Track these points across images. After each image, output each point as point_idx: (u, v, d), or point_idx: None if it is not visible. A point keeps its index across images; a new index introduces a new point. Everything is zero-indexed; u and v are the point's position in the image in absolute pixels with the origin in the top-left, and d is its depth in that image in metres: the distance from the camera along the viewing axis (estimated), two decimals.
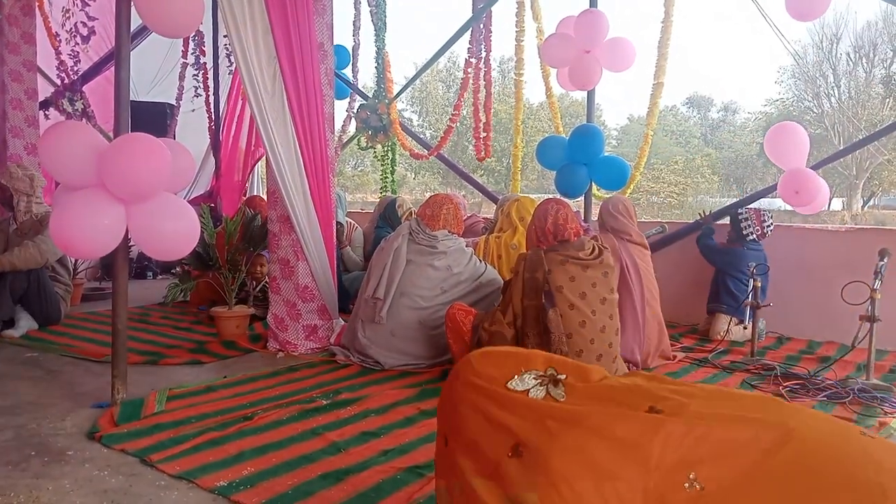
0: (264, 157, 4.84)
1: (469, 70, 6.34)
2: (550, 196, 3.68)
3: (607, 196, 5.02)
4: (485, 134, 6.26)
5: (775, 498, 1.26)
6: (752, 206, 4.89)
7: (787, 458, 1.29)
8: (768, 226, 4.63)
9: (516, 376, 1.52)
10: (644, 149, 5.40)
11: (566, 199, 3.61)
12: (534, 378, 1.50)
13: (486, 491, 1.40)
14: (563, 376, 1.52)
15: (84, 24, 6.14)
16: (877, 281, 3.45)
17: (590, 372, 1.58)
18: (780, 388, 3.42)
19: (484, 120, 6.27)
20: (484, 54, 6.25)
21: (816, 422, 1.41)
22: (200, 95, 7.55)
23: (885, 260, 3.56)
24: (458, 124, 6.62)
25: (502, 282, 3.99)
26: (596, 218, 4.35)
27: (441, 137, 6.53)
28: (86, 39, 6.22)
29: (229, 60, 7.57)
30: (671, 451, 1.32)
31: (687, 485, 1.29)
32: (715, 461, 1.31)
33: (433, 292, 3.79)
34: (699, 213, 5.10)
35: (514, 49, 6.06)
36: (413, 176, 30.75)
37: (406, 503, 2.09)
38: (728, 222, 4.84)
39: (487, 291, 3.90)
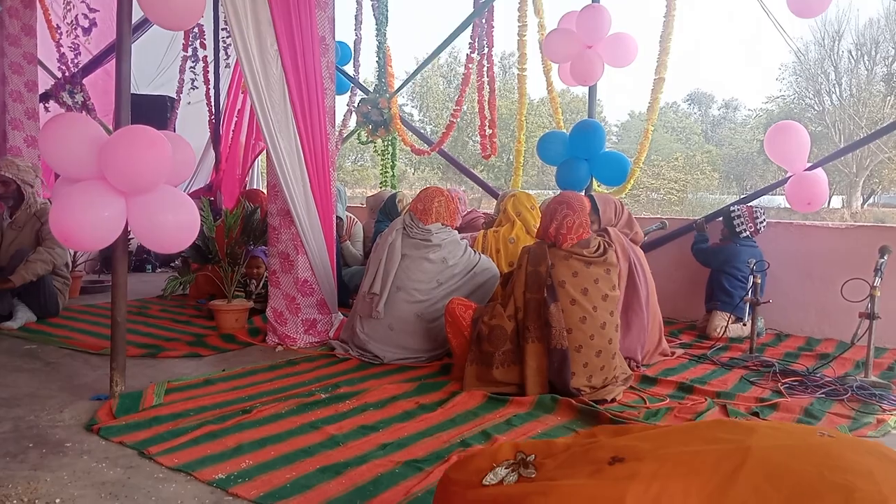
0: (265, 151, 4.83)
1: (470, 65, 6.32)
2: (565, 193, 3.52)
3: (605, 193, 5.00)
4: (490, 131, 6.24)
5: None
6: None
7: (749, 479, 1.33)
8: (761, 222, 4.63)
9: (489, 473, 1.60)
10: (644, 144, 5.39)
11: (581, 199, 3.40)
12: (504, 468, 1.59)
13: None
14: (531, 457, 1.61)
15: (85, 17, 6.14)
16: (876, 278, 3.45)
17: (555, 446, 1.67)
18: (779, 384, 3.43)
19: (489, 117, 6.25)
20: (486, 50, 6.23)
21: (774, 434, 1.45)
22: (197, 87, 7.53)
23: (886, 257, 3.56)
24: (458, 120, 6.59)
25: (497, 271, 3.99)
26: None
27: (443, 133, 6.52)
28: (87, 31, 6.22)
29: (226, 53, 7.55)
30: (640, 498, 1.36)
31: None
32: (684, 499, 1.34)
33: (429, 285, 3.80)
34: (693, 222, 5.10)
35: (515, 44, 6.04)
36: (413, 171, 30.73)
37: (404, 497, 2.09)
38: (722, 220, 4.84)
39: (482, 281, 3.91)
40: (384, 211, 5.68)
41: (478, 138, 6.43)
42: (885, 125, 5.86)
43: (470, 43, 6.29)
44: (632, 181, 5.28)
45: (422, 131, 6.97)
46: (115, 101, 2.91)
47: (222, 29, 7.34)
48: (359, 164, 32.32)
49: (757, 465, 1.34)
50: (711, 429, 1.55)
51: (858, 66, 27.36)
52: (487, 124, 6.24)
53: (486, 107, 6.23)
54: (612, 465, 1.46)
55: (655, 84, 5.12)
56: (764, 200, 5.79)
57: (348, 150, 28.01)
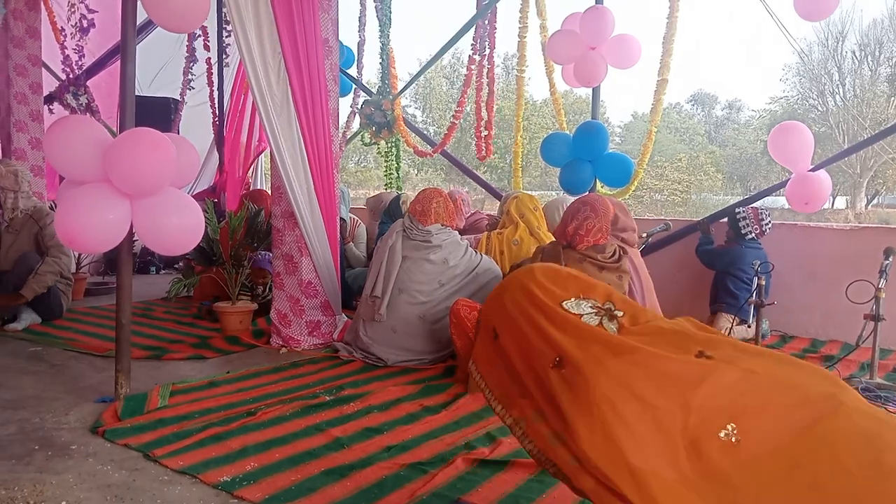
0: (268, 152, 4.84)
1: (472, 67, 6.32)
2: (591, 196, 3.52)
3: (612, 193, 4.99)
4: (486, 132, 6.24)
5: (809, 469, 1.23)
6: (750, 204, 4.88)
7: (832, 430, 1.25)
8: (766, 224, 4.61)
9: (574, 299, 1.51)
10: (647, 146, 5.38)
11: (606, 204, 3.38)
12: (590, 306, 1.50)
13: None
14: (619, 313, 1.50)
15: (83, 17, 6.15)
16: (881, 280, 3.44)
17: (644, 313, 1.56)
18: None
19: (486, 118, 6.24)
20: (487, 51, 6.22)
21: (864, 404, 1.36)
22: (194, 88, 7.54)
23: (891, 259, 3.55)
24: (461, 121, 6.59)
25: (499, 271, 3.99)
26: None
27: (445, 134, 6.51)
28: (85, 31, 6.23)
29: (226, 53, 7.57)
30: (715, 396, 1.30)
31: (723, 434, 1.27)
32: (757, 417, 1.28)
33: (431, 286, 3.80)
34: (698, 223, 5.08)
35: (516, 45, 6.04)
36: (416, 172, 30.75)
37: (409, 499, 2.09)
38: (727, 222, 4.83)
39: (484, 281, 3.90)
40: (388, 213, 5.68)
41: None
42: (889, 126, 5.84)
43: (472, 44, 6.29)
44: (636, 182, 5.27)
45: (425, 132, 6.96)
46: (120, 103, 2.92)
47: (225, 31, 7.35)
48: (362, 165, 32.36)
49: (844, 423, 1.26)
50: (809, 371, 1.41)
51: (862, 67, 27.32)
52: (484, 125, 6.24)
53: (484, 108, 6.23)
54: (698, 357, 1.39)
55: (658, 85, 5.12)
56: (768, 201, 5.78)
57: (351, 151, 28.04)
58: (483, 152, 6.21)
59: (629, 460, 1.26)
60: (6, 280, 4.46)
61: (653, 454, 1.27)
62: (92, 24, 6.21)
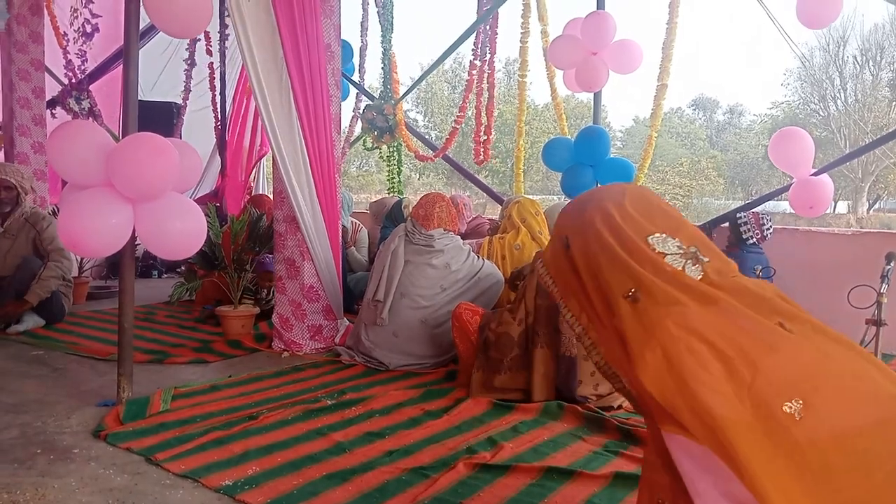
0: (270, 157, 4.85)
1: (473, 72, 6.34)
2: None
3: None
4: (485, 137, 6.25)
5: (863, 469, 1.20)
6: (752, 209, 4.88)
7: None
8: (767, 229, 4.62)
9: (661, 234, 1.41)
10: (648, 150, 5.38)
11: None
12: (677, 246, 1.40)
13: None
14: (705, 259, 1.41)
15: (87, 22, 6.17)
16: (883, 285, 3.43)
17: (728, 264, 1.47)
18: None
19: (485, 123, 6.26)
20: (488, 56, 6.24)
21: None
22: (191, 90, 7.56)
23: (893, 264, 3.54)
24: (463, 125, 6.61)
25: (501, 276, 3.99)
26: None
27: (446, 139, 6.52)
28: (89, 37, 6.25)
29: (228, 57, 7.59)
30: (787, 368, 1.26)
31: (787, 406, 1.22)
32: (825, 400, 1.23)
33: (433, 291, 3.80)
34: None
35: (518, 50, 6.05)
36: (418, 177, 30.77)
37: None
38: (728, 227, 4.83)
39: (486, 286, 3.91)
40: (390, 217, 5.68)
41: None
42: (890, 131, 5.84)
43: (473, 49, 6.30)
44: None
45: (426, 137, 6.97)
46: (123, 108, 2.93)
47: (228, 35, 7.38)
48: (363, 169, 32.37)
49: None
50: (883, 372, 1.34)
51: (863, 72, 27.32)
52: (483, 130, 6.25)
53: (484, 112, 6.24)
54: (778, 326, 1.33)
55: (658, 90, 5.12)
56: (769, 206, 5.78)
57: (353, 155, 28.04)
58: (481, 157, 6.23)
59: (699, 398, 1.22)
60: (7, 286, 4.46)
61: (721, 398, 1.23)
62: (96, 29, 6.23)
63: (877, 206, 28.23)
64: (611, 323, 1.39)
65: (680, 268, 1.37)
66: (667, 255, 1.39)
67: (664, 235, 1.41)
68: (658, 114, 5.23)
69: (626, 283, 1.37)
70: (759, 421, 1.21)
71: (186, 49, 7.51)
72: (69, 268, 4.76)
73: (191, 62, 7.50)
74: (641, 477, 1.51)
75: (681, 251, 1.39)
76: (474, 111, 6.27)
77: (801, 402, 1.22)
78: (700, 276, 1.38)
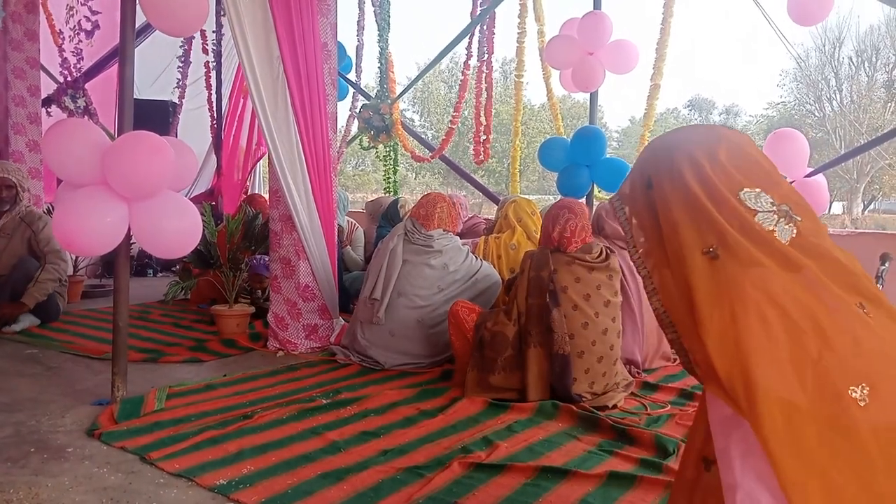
0: (266, 156, 4.84)
1: (468, 72, 6.35)
2: (565, 199, 3.58)
3: (608, 197, 4.97)
4: (484, 137, 6.26)
5: None
6: None
7: None
8: None
9: (755, 189, 1.33)
10: (641, 150, 5.39)
11: (581, 204, 3.46)
12: (770, 203, 1.32)
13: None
14: (798, 218, 1.33)
15: (87, 19, 6.15)
16: (878, 285, 3.45)
17: (820, 225, 1.40)
18: None
19: (484, 123, 6.26)
20: (486, 56, 6.24)
21: None
22: (186, 85, 7.55)
23: (887, 264, 3.56)
24: (459, 125, 6.63)
25: (499, 277, 3.99)
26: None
27: (442, 140, 6.53)
28: (90, 34, 6.23)
29: (218, 54, 7.58)
30: (858, 351, 1.22)
31: (853, 391, 1.19)
32: (892, 390, 1.20)
33: (430, 291, 3.80)
34: None
35: (514, 50, 6.07)
36: (414, 176, 30.76)
37: (405, 503, 2.09)
38: None
39: (483, 287, 3.91)
40: (386, 216, 5.68)
41: None
42: (885, 132, 5.86)
43: (467, 50, 6.31)
44: None
45: (423, 137, 6.99)
46: (118, 106, 2.92)
47: (224, 34, 7.37)
48: (360, 168, 32.36)
49: None
50: None
51: (859, 73, 27.39)
52: (483, 130, 6.26)
53: (483, 113, 6.25)
54: (857, 308, 1.29)
55: (651, 90, 5.13)
56: None
57: (349, 155, 28.05)
58: (481, 157, 6.23)
59: (750, 365, 1.20)
60: (2, 285, 4.45)
61: (778, 373, 1.20)
62: (97, 26, 6.21)
63: (872, 206, 28.31)
64: (681, 273, 1.33)
65: (771, 227, 1.31)
66: (759, 212, 1.32)
67: (758, 191, 1.33)
68: (651, 113, 5.24)
69: (708, 238, 1.31)
70: (818, 400, 1.18)
71: (182, 47, 7.50)
72: (65, 269, 4.76)
73: (186, 61, 7.49)
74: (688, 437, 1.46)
75: (774, 208, 1.32)
76: (472, 111, 6.28)
77: (867, 388, 1.19)
78: (791, 237, 1.31)
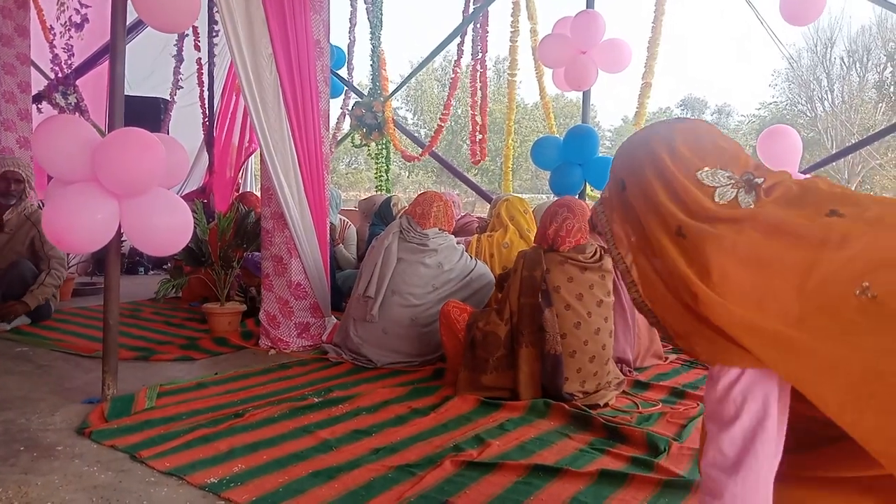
0: (258, 154, 4.83)
1: (458, 70, 6.35)
2: (567, 198, 3.57)
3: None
4: (480, 136, 6.26)
5: None
6: None
7: None
8: None
9: (709, 169, 1.42)
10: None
11: (582, 205, 3.47)
12: (727, 177, 1.41)
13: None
14: (759, 180, 1.41)
15: (77, 12, 6.12)
16: None
17: (782, 175, 1.46)
18: None
19: (480, 122, 6.26)
20: (480, 55, 6.24)
21: None
22: (183, 87, 7.52)
23: None
24: (452, 123, 6.64)
25: (493, 278, 3.99)
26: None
27: (431, 138, 6.53)
28: (79, 27, 6.19)
29: (216, 53, 7.56)
30: (843, 255, 1.25)
31: (858, 291, 1.22)
32: (893, 270, 1.22)
33: (424, 290, 3.80)
34: None
35: (507, 49, 6.07)
36: (407, 174, 30.74)
37: (396, 501, 2.09)
38: None
39: (478, 287, 3.91)
40: (379, 215, 5.68)
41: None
42: (876, 131, 5.89)
43: (458, 48, 6.31)
44: None
45: (416, 135, 6.99)
46: (109, 102, 2.91)
47: (216, 31, 7.34)
48: (353, 167, 32.31)
49: None
50: None
51: (850, 73, 27.53)
52: (478, 129, 6.26)
53: (478, 112, 6.24)
54: (829, 216, 1.32)
55: (643, 89, 5.14)
56: None
57: (342, 153, 28.01)
58: (478, 156, 6.23)
59: (740, 315, 1.26)
60: None
61: (761, 313, 1.26)
62: (86, 19, 6.17)
63: None
64: (662, 258, 1.42)
65: (730, 198, 1.39)
66: (716, 188, 1.40)
67: (715, 168, 1.42)
68: (642, 112, 5.26)
69: (671, 224, 1.41)
70: (827, 318, 1.23)
71: (175, 45, 7.48)
72: (64, 276, 4.79)
73: (179, 57, 7.47)
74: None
75: (731, 181, 1.40)
76: (465, 110, 6.29)
77: (867, 282, 1.22)
78: (755, 200, 1.38)
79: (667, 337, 1.46)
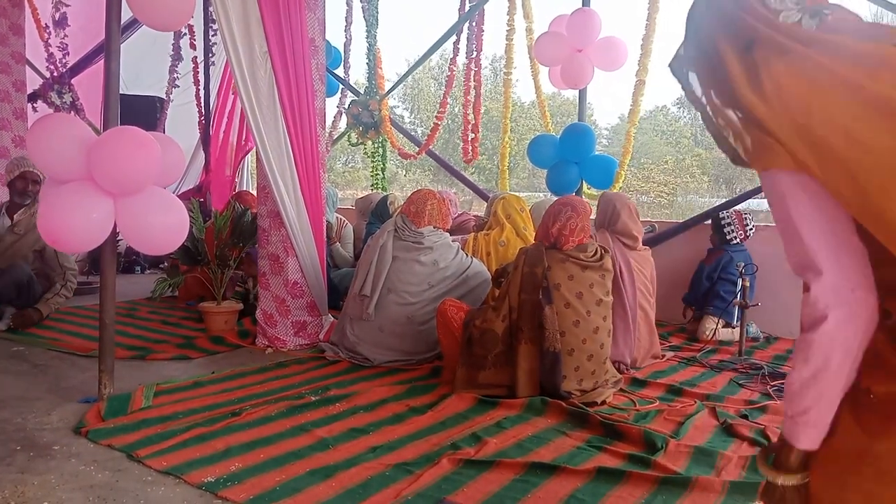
0: (254, 153, 4.82)
1: (454, 68, 6.34)
2: (571, 197, 3.57)
3: (611, 193, 4.81)
4: (473, 135, 6.25)
5: None
6: (733, 208, 4.90)
7: None
8: (750, 229, 4.66)
9: None
10: (627, 147, 5.38)
11: (585, 204, 3.48)
12: (794, 2, 1.40)
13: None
14: (826, 12, 1.39)
15: (57, 9, 6.10)
16: None
17: (852, 14, 1.46)
18: (768, 387, 3.44)
19: (473, 121, 6.26)
20: (474, 54, 6.24)
21: None
22: (179, 86, 7.51)
23: None
24: (450, 122, 6.64)
25: (489, 275, 3.99)
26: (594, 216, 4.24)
27: (428, 136, 6.52)
28: (59, 24, 6.17)
29: (212, 52, 7.54)
30: None
31: None
32: None
33: (420, 287, 3.79)
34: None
35: (503, 47, 6.07)
36: (404, 173, 30.74)
37: (394, 499, 2.09)
38: (711, 226, 4.85)
39: (474, 284, 3.91)
40: (376, 213, 5.67)
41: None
42: None
43: (454, 46, 6.30)
44: (618, 184, 5.28)
45: (413, 133, 6.98)
46: (104, 101, 2.90)
47: (212, 29, 7.32)
48: (349, 165, 32.30)
49: None
50: None
51: None
52: (471, 128, 6.25)
53: (471, 110, 6.24)
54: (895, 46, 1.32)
55: (636, 86, 5.13)
56: (752, 203, 5.82)
57: (339, 151, 27.99)
58: (469, 155, 6.23)
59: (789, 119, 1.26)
60: None
61: (811, 118, 1.24)
62: (64, 17, 6.15)
63: None
64: (723, 72, 1.41)
65: (796, 20, 1.37)
66: (782, 11, 1.39)
67: None
68: (636, 110, 5.24)
69: (741, 39, 1.40)
70: (883, 120, 1.19)
71: (172, 43, 7.46)
72: (75, 287, 4.85)
73: (178, 57, 7.45)
74: None
75: (797, 5, 1.39)
76: (459, 108, 6.27)
77: None
78: (817, 25, 1.37)
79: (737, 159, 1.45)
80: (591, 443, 2.63)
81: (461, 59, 6.30)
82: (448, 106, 6.74)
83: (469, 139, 6.23)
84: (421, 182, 29.66)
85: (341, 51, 7.44)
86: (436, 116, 6.46)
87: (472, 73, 6.27)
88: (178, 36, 7.44)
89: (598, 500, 2.13)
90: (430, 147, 6.51)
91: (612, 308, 3.70)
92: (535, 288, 3.15)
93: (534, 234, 4.41)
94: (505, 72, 6.20)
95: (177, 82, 7.53)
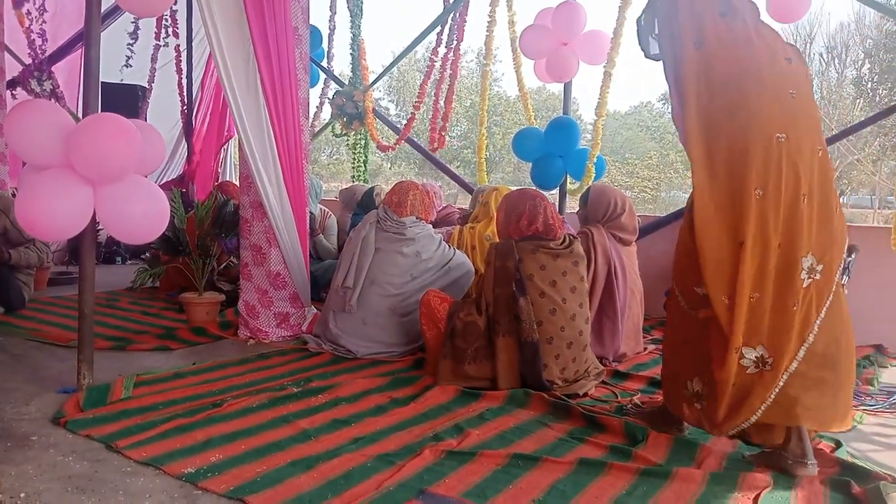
0: (237, 142, 4.78)
1: (435, 58, 6.33)
2: (528, 189, 3.61)
3: (605, 186, 4.72)
4: (442, 123, 6.25)
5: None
6: None
7: None
8: None
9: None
10: (596, 140, 5.40)
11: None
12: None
13: None
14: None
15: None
16: (844, 276, 3.49)
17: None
18: None
19: (443, 110, 6.25)
20: (454, 43, 6.21)
21: None
22: (157, 69, 7.42)
23: (853, 256, 3.62)
24: (420, 112, 6.62)
25: (472, 266, 3.99)
26: (577, 209, 4.23)
27: (404, 127, 6.50)
28: (40, 10, 6.13)
29: (189, 37, 7.47)
30: (781, 108, 2.32)
31: (778, 137, 2.27)
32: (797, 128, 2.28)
33: (403, 279, 3.79)
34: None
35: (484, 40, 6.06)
36: (389, 166, 30.62)
37: (376, 490, 2.08)
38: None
39: (457, 276, 3.91)
40: (362, 205, 5.65)
41: (454, 133, 6.42)
42: (852, 125, 5.98)
43: (437, 37, 6.28)
44: (590, 178, 5.25)
45: (397, 125, 6.95)
46: (84, 87, 2.86)
47: (195, 17, 7.25)
48: (334, 157, 32.10)
49: None
50: None
51: (829, 69, 27.78)
52: (441, 116, 6.24)
53: (443, 99, 6.23)
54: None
55: (604, 79, 5.14)
56: None
57: (324, 143, 27.84)
58: (436, 144, 6.23)
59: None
60: None
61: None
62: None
63: (841, 201, 28.76)
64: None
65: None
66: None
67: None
68: (603, 103, 5.28)
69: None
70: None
71: (158, 31, 7.37)
72: (49, 257, 4.83)
73: (156, 44, 7.37)
74: None
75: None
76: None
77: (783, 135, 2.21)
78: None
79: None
80: (572, 434, 2.64)
81: (443, 49, 6.28)
82: (430, 97, 6.73)
83: (438, 127, 6.22)
84: (406, 175, 29.57)
85: (325, 41, 7.38)
86: (413, 105, 6.44)
87: (449, 62, 6.25)
88: (160, 23, 7.34)
89: (580, 490, 2.13)
90: (416, 141, 6.49)
91: (603, 307, 3.73)
92: (508, 281, 3.16)
93: None
94: (485, 63, 6.20)
95: (157, 70, 7.45)
